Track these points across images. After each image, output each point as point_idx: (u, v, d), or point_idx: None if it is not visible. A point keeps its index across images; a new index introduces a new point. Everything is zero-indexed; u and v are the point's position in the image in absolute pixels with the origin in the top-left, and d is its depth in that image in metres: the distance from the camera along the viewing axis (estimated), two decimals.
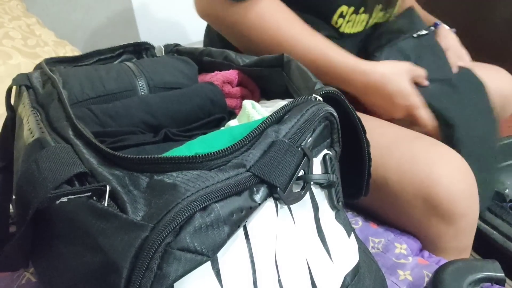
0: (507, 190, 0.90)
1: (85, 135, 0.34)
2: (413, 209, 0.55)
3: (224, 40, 0.71)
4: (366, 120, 0.63)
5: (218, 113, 0.48)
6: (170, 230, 0.24)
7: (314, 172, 0.32)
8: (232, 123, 0.41)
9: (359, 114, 0.63)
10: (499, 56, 1.48)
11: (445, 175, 0.53)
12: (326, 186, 0.36)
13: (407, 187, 0.54)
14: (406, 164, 0.55)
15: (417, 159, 0.55)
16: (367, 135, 0.60)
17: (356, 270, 0.37)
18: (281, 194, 0.29)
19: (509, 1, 1.44)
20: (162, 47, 0.64)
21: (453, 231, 0.55)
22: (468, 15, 1.53)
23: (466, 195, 0.54)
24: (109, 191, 0.28)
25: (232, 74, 0.52)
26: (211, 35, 0.83)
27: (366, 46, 0.76)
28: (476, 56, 1.54)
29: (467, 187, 0.54)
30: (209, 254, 0.26)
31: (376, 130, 0.61)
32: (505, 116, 0.91)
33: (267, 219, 0.30)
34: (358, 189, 0.43)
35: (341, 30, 0.72)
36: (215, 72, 0.54)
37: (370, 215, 0.62)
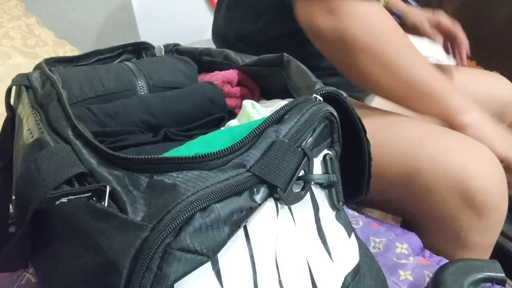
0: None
1: (84, 135, 0.34)
2: (446, 201, 0.55)
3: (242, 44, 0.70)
4: (393, 114, 0.63)
5: (218, 113, 0.47)
6: (170, 230, 0.24)
7: (314, 172, 0.32)
8: (232, 123, 0.41)
9: (373, 114, 0.63)
10: (499, 56, 1.48)
11: (481, 168, 0.54)
12: (326, 186, 0.36)
13: (442, 179, 0.54)
14: (441, 156, 0.55)
15: (452, 152, 0.55)
16: (396, 128, 0.59)
17: (356, 270, 0.37)
18: (282, 194, 0.29)
19: (509, 1, 1.44)
20: (162, 47, 0.64)
21: (484, 225, 0.55)
22: (468, 15, 1.53)
23: (500, 188, 0.54)
24: (109, 191, 0.28)
25: (232, 74, 0.52)
26: (220, 36, 0.82)
27: None
28: (476, 56, 1.54)
29: (500, 181, 0.55)
30: (209, 255, 0.26)
31: (405, 123, 0.60)
32: (505, 123, 0.92)
33: (267, 219, 0.30)
34: (358, 189, 0.43)
35: None
36: (215, 71, 0.54)
37: (393, 210, 0.61)
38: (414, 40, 0.73)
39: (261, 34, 0.73)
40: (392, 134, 0.59)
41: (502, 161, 0.58)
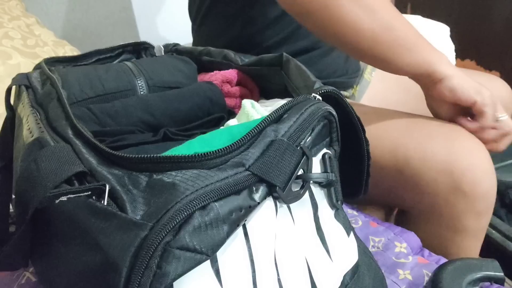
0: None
1: (84, 134, 0.34)
2: (436, 186, 0.55)
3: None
4: (381, 108, 0.63)
5: (217, 113, 0.48)
6: (170, 229, 0.24)
7: (313, 171, 0.32)
8: (232, 122, 0.41)
9: (364, 110, 0.64)
10: (499, 56, 1.48)
11: (467, 149, 0.55)
12: (325, 185, 0.36)
13: (430, 164, 0.55)
14: (428, 142, 0.56)
15: (438, 136, 0.56)
16: (385, 120, 0.59)
17: (355, 269, 0.37)
18: (281, 193, 0.29)
19: (509, 1, 1.44)
20: (162, 47, 0.64)
21: (475, 209, 0.55)
22: (468, 15, 1.53)
23: (487, 171, 0.55)
24: (109, 190, 0.28)
25: (231, 74, 0.52)
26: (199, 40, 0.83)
27: None
28: (476, 56, 1.55)
29: (487, 163, 0.55)
30: (209, 253, 0.26)
31: (393, 114, 0.62)
32: None
33: (266, 218, 0.30)
34: (357, 188, 0.43)
35: None
36: (215, 71, 0.54)
37: (387, 201, 0.62)
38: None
39: (243, 36, 0.73)
40: (381, 126, 0.61)
41: (479, 107, 0.57)
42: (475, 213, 0.56)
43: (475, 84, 0.57)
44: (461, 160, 0.54)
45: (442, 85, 0.56)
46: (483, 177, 0.54)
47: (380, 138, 0.59)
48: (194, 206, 0.25)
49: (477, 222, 0.57)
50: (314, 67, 0.63)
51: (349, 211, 0.63)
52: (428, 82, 0.58)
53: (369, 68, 0.87)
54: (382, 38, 0.55)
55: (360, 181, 0.42)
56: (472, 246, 0.59)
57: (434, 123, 0.59)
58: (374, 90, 0.86)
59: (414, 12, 1.73)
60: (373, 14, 0.54)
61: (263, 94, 0.55)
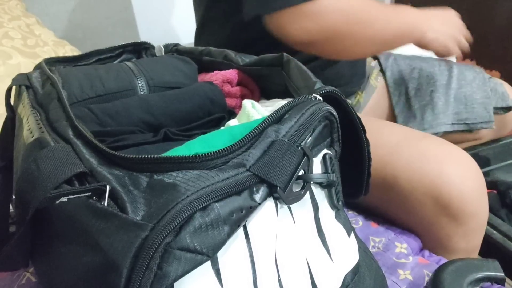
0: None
1: (84, 134, 0.34)
2: (423, 208, 0.54)
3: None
4: (373, 121, 0.63)
5: (218, 113, 0.48)
6: (170, 229, 0.24)
7: (314, 172, 0.32)
8: (232, 122, 0.41)
9: (362, 114, 0.64)
10: (499, 56, 1.48)
11: (456, 174, 0.53)
12: (326, 186, 0.36)
13: (417, 186, 0.54)
14: (416, 163, 0.55)
15: (427, 158, 0.55)
16: (375, 135, 0.59)
17: (356, 270, 0.37)
18: (281, 194, 0.29)
19: (509, 1, 1.44)
20: (162, 47, 0.64)
21: (463, 231, 0.54)
22: (468, 15, 1.53)
23: (477, 195, 0.54)
24: (109, 190, 0.28)
25: (232, 74, 0.52)
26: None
27: None
28: (477, 56, 1.55)
29: (478, 186, 0.54)
30: (209, 254, 0.26)
31: (384, 129, 0.61)
32: (505, 133, 0.92)
33: (267, 218, 0.30)
34: (358, 189, 0.43)
35: None
36: (215, 71, 0.54)
37: (377, 215, 0.61)
38: None
39: (241, 44, 0.74)
40: (370, 140, 0.60)
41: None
42: (464, 236, 0.55)
43: (446, 35, 0.73)
44: (449, 186, 0.53)
45: (423, 41, 0.71)
46: (472, 202, 0.53)
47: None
48: (195, 206, 0.25)
49: (467, 243, 0.56)
50: (318, 77, 0.64)
51: (349, 211, 0.63)
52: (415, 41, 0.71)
53: (375, 73, 0.87)
54: (381, 48, 0.72)
55: (361, 181, 0.42)
56: (472, 252, 0.59)
57: (427, 142, 0.57)
58: (379, 96, 0.86)
59: None
60: (374, 44, 0.67)
61: (264, 94, 0.55)
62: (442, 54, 0.76)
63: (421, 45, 0.72)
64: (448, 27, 0.75)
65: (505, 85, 0.87)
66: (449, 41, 0.73)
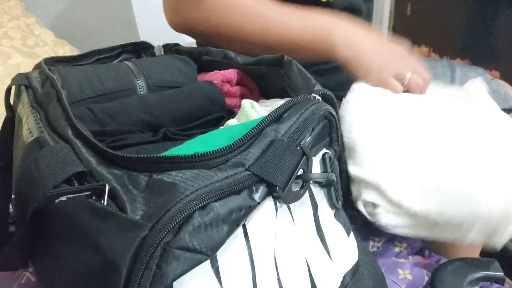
0: None
1: (84, 134, 0.34)
2: None
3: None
4: None
5: (217, 112, 0.48)
6: (169, 229, 0.24)
7: (313, 171, 0.32)
8: (231, 122, 0.41)
9: None
10: (499, 56, 1.48)
11: None
12: (325, 185, 0.36)
13: None
14: None
15: None
16: None
17: (355, 269, 0.37)
18: (281, 193, 0.29)
19: (509, 1, 1.44)
20: (161, 47, 0.64)
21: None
22: (468, 15, 1.53)
23: None
24: (108, 190, 0.28)
25: (231, 73, 0.52)
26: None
27: None
28: (477, 56, 1.54)
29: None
30: (208, 253, 0.26)
31: None
32: None
33: (266, 218, 0.30)
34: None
35: None
36: (215, 71, 0.54)
37: None
38: None
39: None
40: None
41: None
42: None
43: (380, 61, 0.54)
44: None
45: (336, 56, 0.55)
46: None
47: None
48: (194, 206, 0.25)
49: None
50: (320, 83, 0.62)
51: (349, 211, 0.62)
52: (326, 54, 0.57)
53: None
54: (279, 46, 0.56)
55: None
56: (470, 252, 0.59)
57: None
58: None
59: (413, 13, 1.73)
60: (269, 37, 0.57)
61: (263, 94, 0.55)
62: (376, 82, 0.54)
63: (343, 63, 0.55)
64: (387, 55, 0.56)
65: (507, 86, 0.87)
66: (384, 70, 0.53)
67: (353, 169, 0.46)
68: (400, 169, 0.46)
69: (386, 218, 0.47)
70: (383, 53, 0.55)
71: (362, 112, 0.49)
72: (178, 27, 0.65)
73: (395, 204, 0.46)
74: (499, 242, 0.46)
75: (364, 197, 0.46)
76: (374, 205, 0.47)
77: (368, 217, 0.48)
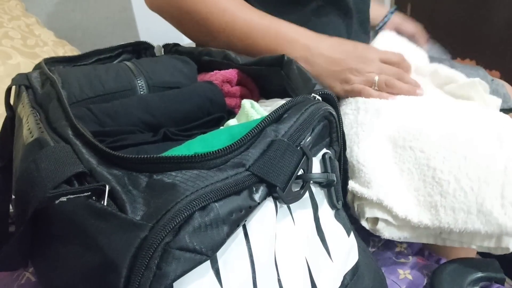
0: None
1: (84, 134, 0.34)
2: None
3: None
4: None
5: (217, 112, 0.48)
6: (169, 229, 0.24)
7: (313, 171, 0.32)
8: (231, 122, 0.41)
9: None
10: (499, 56, 1.48)
11: None
12: (325, 185, 0.36)
13: None
14: None
15: None
16: None
17: (355, 269, 0.37)
18: (281, 193, 0.29)
19: (509, 1, 1.44)
20: (161, 47, 0.64)
21: None
22: (468, 15, 1.53)
23: None
24: (108, 190, 0.28)
25: (231, 73, 0.52)
26: None
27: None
28: (476, 56, 1.54)
29: None
30: (209, 254, 0.26)
31: None
32: None
33: (266, 218, 0.30)
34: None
35: None
36: (215, 71, 0.54)
37: None
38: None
39: None
40: None
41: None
42: None
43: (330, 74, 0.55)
44: None
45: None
46: None
47: None
48: (194, 206, 0.25)
49: None
50: None
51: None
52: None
53: None
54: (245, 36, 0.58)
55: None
56: (470, 252, 0.59)
57: None
58: None
59: (414, 13, 1.73)
60: (231, 28, 0.58)
61: (263, 94, 0.55)
62: (342, 95, 0.56)
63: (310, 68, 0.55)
64: (349, 65, 0.55)
65: (507, 86, 0.87)
66: (347, 82, 0.54)
67: (357, 188, 0.46)
68: (405, 186, 0.47)
69: (390, 232, 0.47)
70: (344, 65, 0.55)
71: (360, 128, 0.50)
72: (152, 5, 0.66)
73: (400, 220, 0.46)
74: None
75: (368, 215, 0.47)
76: (377, 220, 0.47)
77: (371, 230, 0.48)
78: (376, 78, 0.54)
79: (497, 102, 0.61)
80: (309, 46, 0.56)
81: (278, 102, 0.44)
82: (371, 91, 0.54)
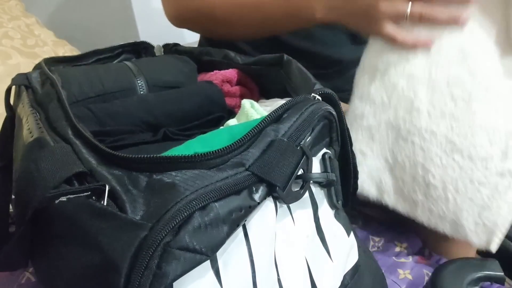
0: None
1: (84, 134, 0.34)
2: None
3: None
4: None
5: (217, 112, 0.48)
6: (169, 229, 0.24)
7: (313, 171, 0.32)
8: (231, 122, 0.41)
9: None
10: None
11: None
12: (325, 185, 0.36)
13: None
14: None
15: None
16: None
17: (355, 269, 0.37)
18: (281, 193, 0.29)
19: None
20: (161, 47, 0.64)
21: None
22: None
23: None
24: (108, 190, 0.28)
25: (231, 73, 0.52)
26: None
27: None
28: None
29: None
30: (208, 253, 0.26)
31: None
32: None
33: (266, 218, 0.30)
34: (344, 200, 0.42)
35: None
36: (215, 71, 0.54)
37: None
38: None
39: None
40: None
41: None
42: None
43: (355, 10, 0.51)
44: None
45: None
46: None
47: None
48: (194, 206, 0.25)
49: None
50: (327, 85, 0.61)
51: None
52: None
53: None
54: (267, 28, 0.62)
55: (346, 194, 0.40)
56: (470, 252, 0.59)
57: None
58: None
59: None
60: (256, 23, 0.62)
61: (263, 93, 0.55)
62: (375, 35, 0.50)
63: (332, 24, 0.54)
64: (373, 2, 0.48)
65: None
66: (376, 21, 0.47)
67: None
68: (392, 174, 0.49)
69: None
70: (367, 4, 0.49)
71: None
72: (176, 19, 0.69)
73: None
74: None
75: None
76: None
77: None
78: (408, 8, 0.45)
79: None
80: (327, 3, 0.53)
81: (278, 102, 0.44)
82: (401, 34, 0.46)
